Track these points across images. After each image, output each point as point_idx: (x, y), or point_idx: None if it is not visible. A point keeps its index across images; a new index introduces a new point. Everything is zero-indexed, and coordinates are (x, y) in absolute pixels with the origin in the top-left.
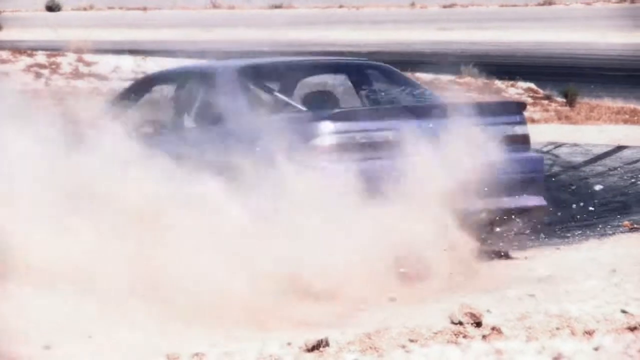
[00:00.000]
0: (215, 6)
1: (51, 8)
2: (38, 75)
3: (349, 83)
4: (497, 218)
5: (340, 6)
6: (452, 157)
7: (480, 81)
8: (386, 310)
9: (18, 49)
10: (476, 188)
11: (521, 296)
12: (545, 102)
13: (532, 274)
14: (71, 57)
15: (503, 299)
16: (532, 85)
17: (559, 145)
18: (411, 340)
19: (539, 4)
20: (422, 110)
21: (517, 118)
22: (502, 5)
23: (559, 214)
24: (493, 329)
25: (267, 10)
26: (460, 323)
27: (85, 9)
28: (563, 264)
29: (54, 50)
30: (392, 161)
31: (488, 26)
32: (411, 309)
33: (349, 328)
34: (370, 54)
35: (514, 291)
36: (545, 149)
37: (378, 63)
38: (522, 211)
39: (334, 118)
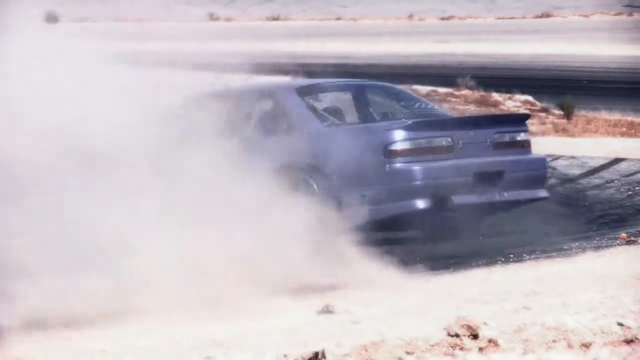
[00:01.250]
0: (212, 18)
1: (49, 19)
2: None
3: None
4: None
5: (338, 18)
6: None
7: (478, 93)
8: (383, 322)
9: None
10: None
11: (517, 308)
12: (543, 114)
13: (529, 286)
14: None
15: (499, 311)
16: (529, 97)
17: (556, 158)
18: (408, 353)
19: (537, 17)
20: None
21: (523, 127)
22: (499, 18)
23: (556, 226)
24: (490, 341)
25: (264, 22)
26: (457, 335)
27: (82, 21)
28: (560, 276)
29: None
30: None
31: (485, 38)
32: (407, 320)
33: (346, 340)
34: (368, 66)
35: (510, 303)
36: None
37: (390, 84)
38: (530, 202)
39: (408, 128)
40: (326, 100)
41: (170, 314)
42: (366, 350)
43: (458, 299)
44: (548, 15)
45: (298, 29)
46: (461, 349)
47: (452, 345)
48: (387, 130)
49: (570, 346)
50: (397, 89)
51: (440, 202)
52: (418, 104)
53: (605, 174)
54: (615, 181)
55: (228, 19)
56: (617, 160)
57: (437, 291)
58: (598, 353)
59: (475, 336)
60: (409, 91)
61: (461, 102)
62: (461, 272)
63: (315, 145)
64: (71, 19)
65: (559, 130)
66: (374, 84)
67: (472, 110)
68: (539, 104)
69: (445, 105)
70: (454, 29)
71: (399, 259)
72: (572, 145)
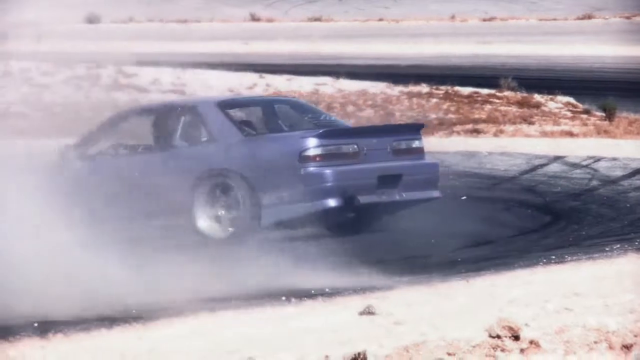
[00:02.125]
0: (254, 19)
1: (91, 20)
2: (78, 87)
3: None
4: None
5: (380, 19)
6: None
7: (520, 95)
8: (424, 323)
9: (58, 61)
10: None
11: (559, 309)
12: (584, 116)
13: (570, 287)
14: (111, 69)
15: (541, 312)
16: (571, 99)
17: (597, 160)
18: (449, 354)
19: (579, 18)
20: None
21: (418, 135)
22: (541, 19)
23: (598, 227)
24: (531, 342)
25: (306, 23)
26: (498, 336)
27: (124, 22)
28: (601, 278)
29: (93, 62)
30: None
31: (527, 40)
32: (449, 321)
33: (387, 341)
34: (410, 67)
35: (551, 304)
36: (584, 163)
37: (298, 100)
38: (424, 201)
39: (319, 136)
40: (243, 113)
41: (210, 315)
42: (407, 351)
43: (500, 300)
44: (590, 17)
45: (340, 30)
46: (502, 350)
47: (493, 346)
48: (301, 139)
49: (611, 347)
50: (304, 103)
51: (348, 201)
52: (323, 116)
53: None
54: None
55: (269, 20)
56: None
57: (479, 292)
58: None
59: (516, 337)
60: (314, 105)
61: (503, 103)
62: (503, 274)
63: (236, 153)
64: (113, 19)
65: (600, 132)
66: (285, 99)
67: (514, 111)
68: (580, 106)
69: (488, 107)
70: (496, 30)
71: (441, 260)
72: (613, 146)
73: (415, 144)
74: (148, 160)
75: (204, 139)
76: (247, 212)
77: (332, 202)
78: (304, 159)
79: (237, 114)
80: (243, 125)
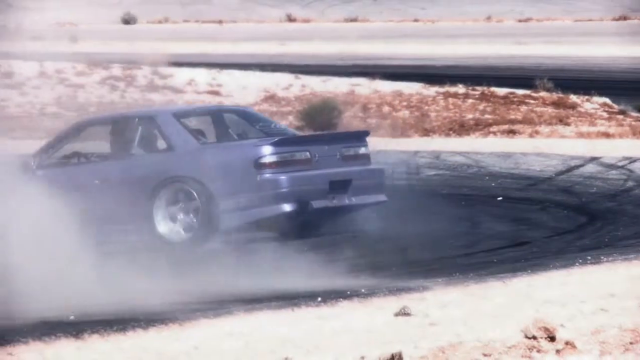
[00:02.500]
0: (290, 19)
1: (127, 21)
2: (113, 88)
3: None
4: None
5: (416, 20)
6: None
7: (556, 95)
8: (460, 324)
9: (94, 62)
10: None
11: (595, 310)
12: (620, 116)
13: (606, 288)
14: (146, 69)
15: (577, 313)
16: (607, 100)
17: (633, 160)
18: (485, 355)
19: (614, 19)
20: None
21: (364, 142)
22: (577, 20)
23: (634, 228)
24: (567, 343)
25: (342, 23)
26: (534, 337)
27: (160, 22)
28: (636, 278)
29: (129, 63)
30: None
31: (563, 40)
32: (485, 322)
33: (423, 342)
34: (445, 68)
35: (587, 305)
36: (619, 164)
37: (250, 109)
38: (372, 205)
39: (274, 144)
40: (198, 122)
41: (246, 316)
42: (443, 352)
43: (536, 301)
44: (625, 18)
45: (376, 31)
46: (538, 351)
47: (529, 347)
48: (257, 146)
49: None
50: (255, 113)
51: (302, 206)
52: (273, 124)
53: None
54: None
55: (305, 20)
56: None
57: (515, 293)
58: None
59: (552, 338)
60: (266, 115)
61: (539, 104)
62: (539, 274)
63: (193, 160)
64: (149, 20)
65: (636, 133)
66: (237, 109)
67: (550, 112)
68: (616, 106)
69: (524, 107)
70: (532, 31)
71: (476, 261)
72: None
73: (362, 150)
74: (108, 168)
75: (162, 147)
76: (206, 218)
77: (287, 207)
78: (260, 166)
79: (192, 123)
80: (198, 133)
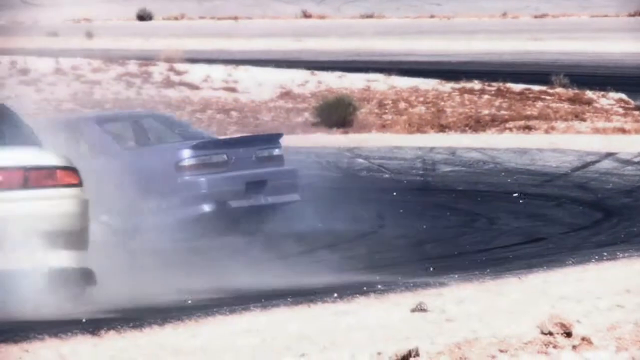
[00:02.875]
0: (306, 16)
1: (142, 17)
2: (129, 84)
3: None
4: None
5: (432, 16)
6: None
7: (572, 91)
8: (476, 320)
9: (110, 58)
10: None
11: (611, 306)
12: (636, 112)
13: (622, 284)
14: (162, 66)
15: (593, 309)
16: (623, 95)
17: None
18: (501, 351)
19: (630, 15)
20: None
21: (278, 144)
22: (593, 16)
23: None
24: (583, 339)
25: (358, 20)
26: (550, 333)
27: (176, 18)
28: None
29: (145, 59)
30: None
31: (579, 36)
32: (501, 318)
33: (439, 338)
34: (461, 64)
35: (603, 301)
36: (635, 160)
37: (169, 114)
38: (286, 204)
39: (193, 147)
40: (119, 127)
41: (262, 312)
42: (459, 348)
43: (552, 297)
44: None
45: (392, 27)
46: (554, 347)
47: (545, 343)
48: (177, 150)
49: None
50: (174, 118)
51: (221, 206)
52: (191, 128)
53: None
54: None
55: (321, 17)
56: None
57: (531, 289)
58: None
59: (568, 334)
60: (185, 120)
61: (555, 100)
62: (555, 270)
63: (116, 164)
64: (165, 16)
65: None
66: (157, 115)
67: (566, 108)
68: (632, 102)
69: (540, 103)
70: (548, 27)
71: (492, 257)
72: None
73: (276, 152)
74: None
75: (86, 152)
76: (130, 219)
77: (206, 208)
78: (180, 169)
79: (113, 128)
80: (122, 138)
